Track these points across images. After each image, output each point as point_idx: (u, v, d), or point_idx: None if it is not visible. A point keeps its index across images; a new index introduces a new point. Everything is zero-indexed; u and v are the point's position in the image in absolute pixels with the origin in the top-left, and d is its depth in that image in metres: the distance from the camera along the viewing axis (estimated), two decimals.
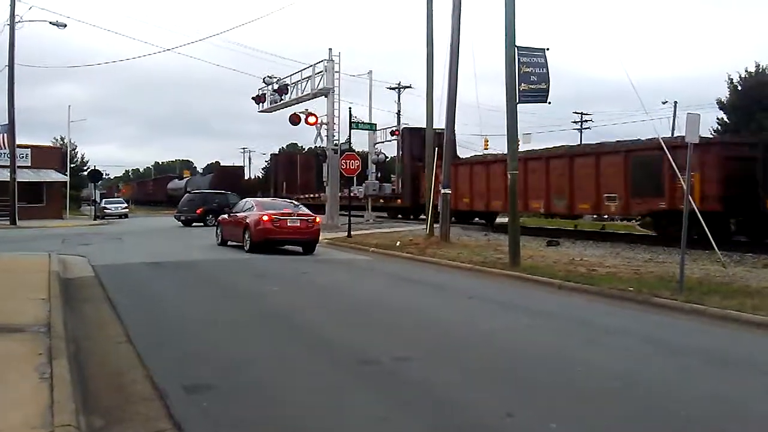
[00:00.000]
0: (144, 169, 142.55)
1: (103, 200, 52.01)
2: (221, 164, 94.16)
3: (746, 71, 37.65)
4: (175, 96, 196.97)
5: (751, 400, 5.41)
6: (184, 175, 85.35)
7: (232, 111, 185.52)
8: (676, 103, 52.62)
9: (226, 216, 21.51)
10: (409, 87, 52.97)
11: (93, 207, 47.75)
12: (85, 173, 59.89)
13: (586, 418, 4.86)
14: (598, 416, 4.91)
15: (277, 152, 78.43)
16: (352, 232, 23.85)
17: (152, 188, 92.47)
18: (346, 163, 25.36)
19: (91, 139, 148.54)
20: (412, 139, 37.67)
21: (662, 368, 6.49)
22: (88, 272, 13.32)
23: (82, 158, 74.41)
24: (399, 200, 39.78)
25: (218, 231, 21.54)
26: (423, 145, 26.39)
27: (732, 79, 37.86)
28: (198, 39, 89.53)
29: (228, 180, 60.96)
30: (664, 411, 5.03)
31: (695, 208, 12.83)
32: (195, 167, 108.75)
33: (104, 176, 70.70)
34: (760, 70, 37.14)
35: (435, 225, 21.79)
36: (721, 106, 38.38)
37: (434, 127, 23.81)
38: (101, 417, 4.74)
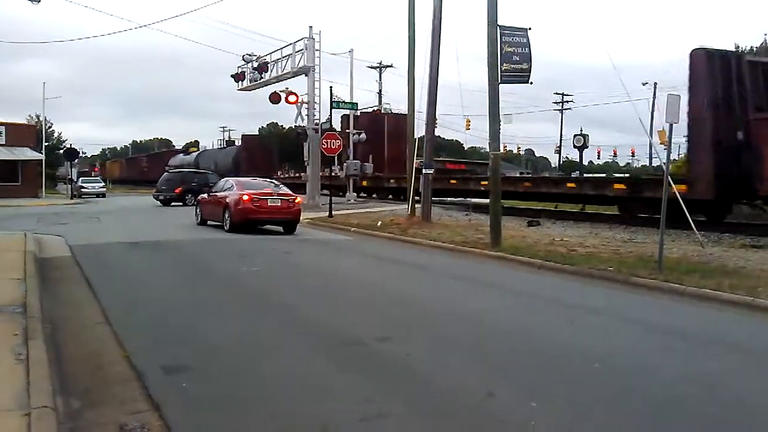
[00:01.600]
0: (121, 148, 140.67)
1: (80, 179, 51.27)
2: (199, 142, 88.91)
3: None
4: (152, 74, 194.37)
5: (728, 378, 5.48)
6: (191, 150, 73.35)
7: (211, 89, 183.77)
8: (655, 84, 52.85)
9: (205, 195, 21.29)
10: (391, 66, 52.89)
11: (69, 186, 47.05)
12: (61, 152, 58.93)
13: (566, 397, 4.88)
14: (578, 395, 4.93)
15: (257, 131, 76.96)
16: (333, 212, 23.76)
17: (147, 165, 78.80)
18: (327, 142, 25.19)
19: (66, 117, 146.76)
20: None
21: (642, 347, 6.55)
22: (64, 252, 13.13)
23: (59, 137, 73.10)
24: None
25: (198, 211, 21.34)
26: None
27: None
28: (175, 15, 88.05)
29: (262, 154, 54.32)
30: (643, 390, 5.07)
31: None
32: (173, 146, 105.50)
33: (81, 155, 69.02)
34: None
35: (417, 205, 21.78)
36: None
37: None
38: (78, 398, 4.67)
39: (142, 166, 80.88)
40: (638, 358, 6.08)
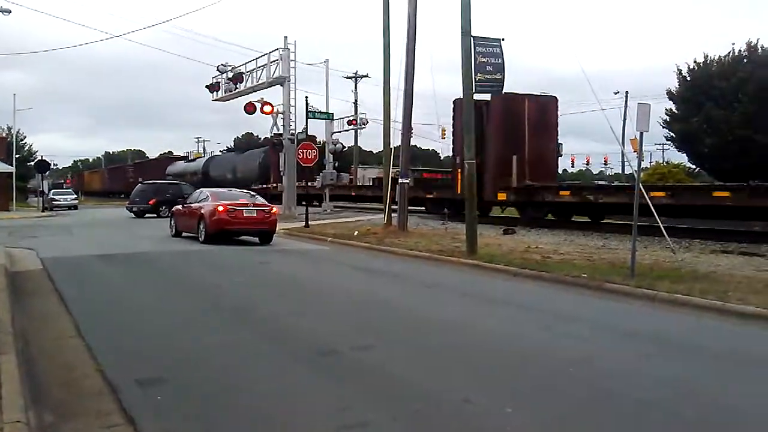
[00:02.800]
0: (93, 159, 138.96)
1: (52, 191, 50.49)
2: (173, 152, 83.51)
3: (695, 62, 38.62)
4: (124, 85, 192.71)
5: (700, 381, 5.58)
6: (195, 156, 62.90)
7: (185, 100, 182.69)
8: (627, 93, 53.92)
9: (180, 207, 21.10)
10: (366, 76, 53.02)
11: (41, 198, 46.31)
12: (32, 164, 57.92)
13: (541, 402, 4.93)
14: (553, 401, 4.98)
15: (233, 142, 75.57)
16: (309, 222, 23.70)
17: (133, 175, 67.96)
18: (303, 152, 25.15)
19: (36, 128, 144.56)
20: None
21: (615, 352, 6.64)
22: (36, 265, 12.93)
23: (30, 149, 71.98)
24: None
25: (172, 222, 21.14)
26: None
27: (681, 70, 38.78)
28: (148, 25, 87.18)
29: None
30: (617, 394, 5.15)
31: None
32: (147, 157, 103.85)
33: (52, 167, 67.76)
34: (708, 62, 38.11)
35: (393, 215, 21.83)
36: (671, 96, 39.31)
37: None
38: (52, 412, 4.61)
39: (127, 177, 70.54)
40: (612, 363, 6.17)
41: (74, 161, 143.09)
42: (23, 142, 67.82)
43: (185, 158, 62.79)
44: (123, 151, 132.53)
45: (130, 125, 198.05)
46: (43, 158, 54.22)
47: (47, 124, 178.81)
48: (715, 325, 8.08)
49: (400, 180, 21.04)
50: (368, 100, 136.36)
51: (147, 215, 33.11)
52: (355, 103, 51.40)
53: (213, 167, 51.66)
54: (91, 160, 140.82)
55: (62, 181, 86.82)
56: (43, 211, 41.88)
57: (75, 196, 51.85)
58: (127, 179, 67.60)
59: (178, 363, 5.91)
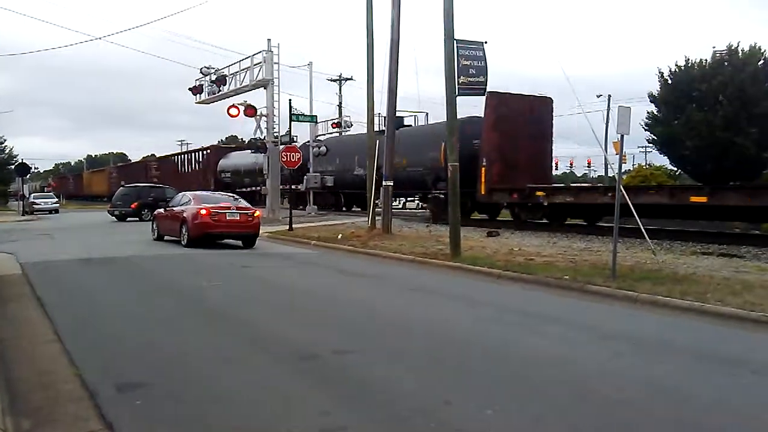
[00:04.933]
0: (75, 162, 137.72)
1: (32, 195, 49.94)
2: (155, 155, 74.97)
3: (676, 65, 38.97)
4: (105, 87, 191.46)
5: (678, 381, 5.63)
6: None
7: (167, 103, 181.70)
8: (609, 96, 54.34)
9: (162, 210, 20.97)
10: (351, 79, 52.92)
11: (21, 202, 45.78)
12: (13, 167, 57.16)
13: (521, 403, 4.96)
14: (534, 401, 5.01)
15: (217, 144, 70.73)
16: (293, 225, 23.64)
17: (156, 174, 55.20)
18: (287, 155, 25.08)
19: (16, 131, 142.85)
20: None
21: (596, 353, 6.69)
22: (15, 270, 12.78)
23: (10, 152, 71.13)
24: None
25: (154, 226, 21.00)
26: None
27: (662, 73, 39.08)
28: (130, 27, 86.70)
29: None
30: (597, 395, 5.19)
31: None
32: (129, 160, 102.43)
33: (33, 170, 66.87)
34: (689, 65, 38.48)
35: (377, 217, 21.82)
36: (652, 99, 39.60)
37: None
38: (29, 418, 4.57)
39: (150, 176, 56.05)
40: (593, 363, 6.21)
41: (56, 164, 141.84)
42: (3, 145, 67.01)
43: (253, 145, 35.26)
44: (106, 154, 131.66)
45: (111, 128, 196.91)
46: (24, 161, 53.63)
47: (27, 127, 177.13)
48: (693, 326, 8.17)
49: (383, 182, 21.03)
50: (353, 103, 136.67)
51: (129, 219, 32.87)
52: (340, 105, 51.33)
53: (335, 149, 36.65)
54: (73, 164, 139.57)
55: (51, 184, 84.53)
56: (23, 215, 41.41)
57: (56, 200, 51.32)
58: (149, 178, 54.71)
59: (158, 368, 5.86)
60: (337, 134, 41.93)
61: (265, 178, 34.00)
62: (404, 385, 5.42)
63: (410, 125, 35.76)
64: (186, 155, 58.87)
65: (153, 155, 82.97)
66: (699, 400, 5.14)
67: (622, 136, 11.29)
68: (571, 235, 20.51)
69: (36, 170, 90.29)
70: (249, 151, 38.67)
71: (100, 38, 52.50)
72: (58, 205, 49.57)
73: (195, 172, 51.64)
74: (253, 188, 41.66)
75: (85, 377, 5.45)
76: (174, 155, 63.38)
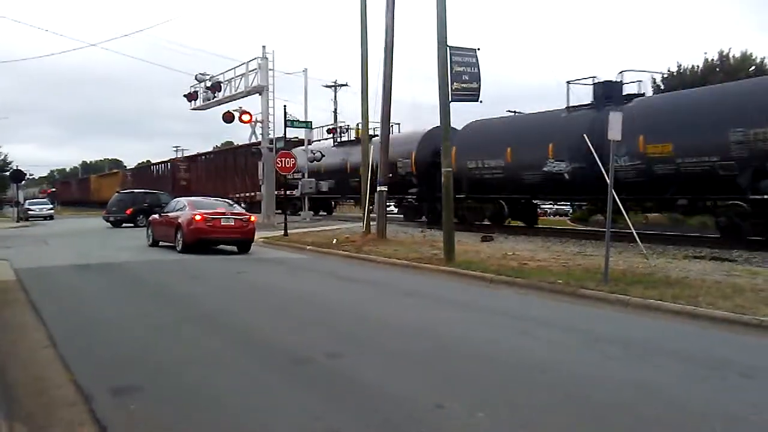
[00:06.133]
0: (70, 169, 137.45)
1: (27, 201, 49.87)
2: (150, 161, 74.51)
3: (668, 71, 39.29)
4: (100, 94, 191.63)
5: (668, 384, 5.69)
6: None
7: (161, 109, 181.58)
8: None
9: (157, 216, 21.01)
10: (346, 85, 53.17)
11: (16, 209, 45.69)
12: (8, 174, 57.02)
13: (513, 407, 5.01)
14: (525, 404, 5.07)
15: (211, 150, 67.67)
16: (288, 231, 23.68)
17: (185, 176, 49.33)
18: (282, 161, 25.14)
19: (10, 138, 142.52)
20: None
21: (587, 356, 6.75)
22: (9, 276, 12.79)
23: (5, 158, 70.99)
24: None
25: (149, 231, 21.02)
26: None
27: (655, 79, 39.37)
28: (125, 34, 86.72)
29: None
30: (586, 398, 5.24)
31: None
32: (125, 167, 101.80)
33: (28, 176, 66.66)
34: (681, 71, 38.77)
35: (372, 222, 21.87)
36: None
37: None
38: (24, 423, 4.60)
39: (178, 179, 49.09)
40: (584, 366, 6.27)
41: (51, 171, 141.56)
42: None
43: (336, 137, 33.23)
44: (101, 160, 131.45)
45: (106, 134, 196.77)
46: (18, 168, 53.59)
47: (23, 134, 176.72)
48: (685, 329, 8.24)
49: (378, 187, 21.10)
50: (347, 109, 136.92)
51: (124, 225, 32.85)
52: (335, 111, 51.48)
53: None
54: (68, 170, 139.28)
55: (53, 189, 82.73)
56: (18, 221, 41.35)
57: (51, 206, 51.26)
58: (179, 180, 50.12)
59: (152, 372, 5.90)
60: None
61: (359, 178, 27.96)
62: (396, 388, 5.47)
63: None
64: (228, 153, 48.66)
65: (148, 161, 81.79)
66: (688, 402, 5.20)
67: (613, 142, 11.37)
68: (565, 240, 20.63)
69: (31, 177, 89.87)
70: (330, 144, 34.05)
71: (94, 45, 52.79)
72: (53, 211, 49.51)
73: (239, 173, 42.90)
74: (338, 195, 34.74)
75: (79, 382, 5.48)
76: (212, 152, 54.10)
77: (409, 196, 29.85)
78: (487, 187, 24.60)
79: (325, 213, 41.85)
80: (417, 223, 29.03)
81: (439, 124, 24.31)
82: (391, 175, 23.92)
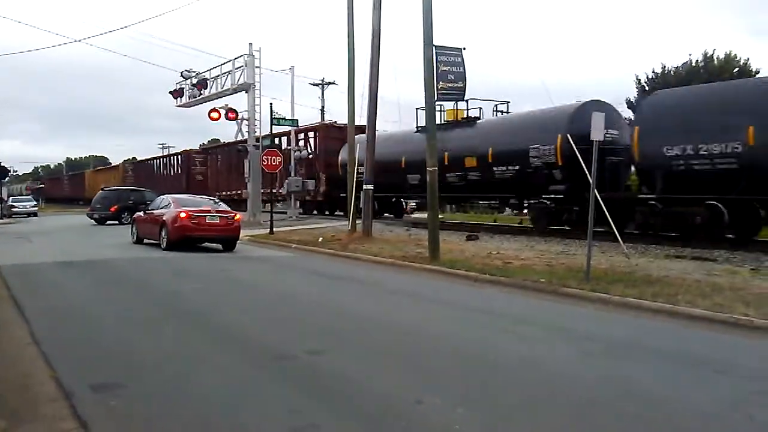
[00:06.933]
0: (54, 166, 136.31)
1: (10, 198, 49.46)
2: (136, 158, 71.70)
3: (653, 72, 39.61)
4: (85, 90, 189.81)
5: (645, 381, 5.78)
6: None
7: (146, 106, 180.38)
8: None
9: (142, 213, 20.92)
10: (333, 83, 53.27)
11: (0, 205, 45.31)
12: None
13: (492, 402, 5.08)
14: (505, 400, 5.14)
15: (199, 147, 66.43)
16: (274, 229, 23.67)
17: (201, 169, 46.37)
18: (267, 159, 25.10)
19: None
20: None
21: (567, 354, 6.83)
22: None
23: None
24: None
25: (134, 229, 20.95)
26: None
27: (640, 79, 39.75)
28: (109, 30, 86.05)
29: None
30: (567, 394, 5.32)
31: None
32: (110, 163, 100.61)
33: (11, 173, 66.02)
34: (666, 71, 39.11)
35: (358, 221, 21.91)
36: (630, 105, 40.18)
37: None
38: (5, 419, 4.59)
39: (193, 173, 45.86)
40: (564, 364, 6.35)
41: (35, 167, 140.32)
42: None
43: (465, 122, 25.33)
44: (86, 157, 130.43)
45: (90, 131, 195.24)
46: (2, 165, 53.06)
47: (6, 130, 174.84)
48: (664, 327, 8.35)
49: (364, 186, 21.13)
50: (335, 107, 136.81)
51: (109, 222, 32.67)
52: (322, 109, 51.48)
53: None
54: (52, 167, 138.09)
55: (41, 185, 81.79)
56: (1, 218, 40.98)
57: (35, 203, 50.88)
58: (194, 175, 46.40)
59: (134, 369, 5.91)
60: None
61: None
62: (377, 384, 5.53)
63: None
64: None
65: (134, 158, 79.93)
66: (665, 398, 5.28)
67: (595, 142, 11.49)
68: (549, 239, 20.73)
69: (15, 173, 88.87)
70: (413, 130, 27.60)
71: (79, 40, 52.14)
72: (36, 208, 49.13)
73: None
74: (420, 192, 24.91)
75: (61, 379, 5.49)
76: (227, 144, 44.76)
77: (551, 195, 22.33)
78: (700, 185, 16.96)
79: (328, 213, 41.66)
80: (402, 222, 28.96)
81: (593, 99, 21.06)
82: (518, 167, 22.37)
